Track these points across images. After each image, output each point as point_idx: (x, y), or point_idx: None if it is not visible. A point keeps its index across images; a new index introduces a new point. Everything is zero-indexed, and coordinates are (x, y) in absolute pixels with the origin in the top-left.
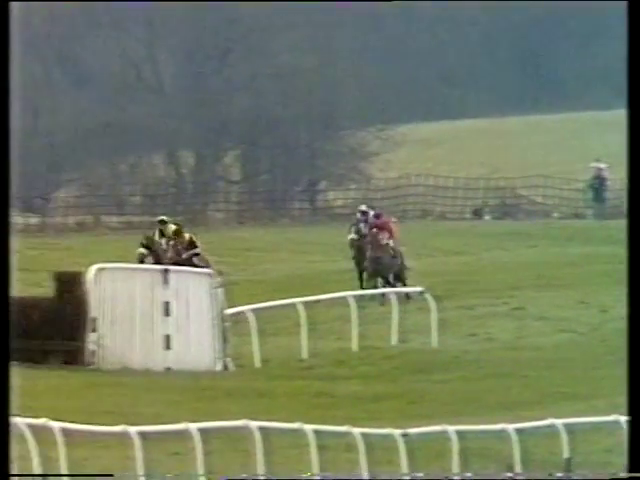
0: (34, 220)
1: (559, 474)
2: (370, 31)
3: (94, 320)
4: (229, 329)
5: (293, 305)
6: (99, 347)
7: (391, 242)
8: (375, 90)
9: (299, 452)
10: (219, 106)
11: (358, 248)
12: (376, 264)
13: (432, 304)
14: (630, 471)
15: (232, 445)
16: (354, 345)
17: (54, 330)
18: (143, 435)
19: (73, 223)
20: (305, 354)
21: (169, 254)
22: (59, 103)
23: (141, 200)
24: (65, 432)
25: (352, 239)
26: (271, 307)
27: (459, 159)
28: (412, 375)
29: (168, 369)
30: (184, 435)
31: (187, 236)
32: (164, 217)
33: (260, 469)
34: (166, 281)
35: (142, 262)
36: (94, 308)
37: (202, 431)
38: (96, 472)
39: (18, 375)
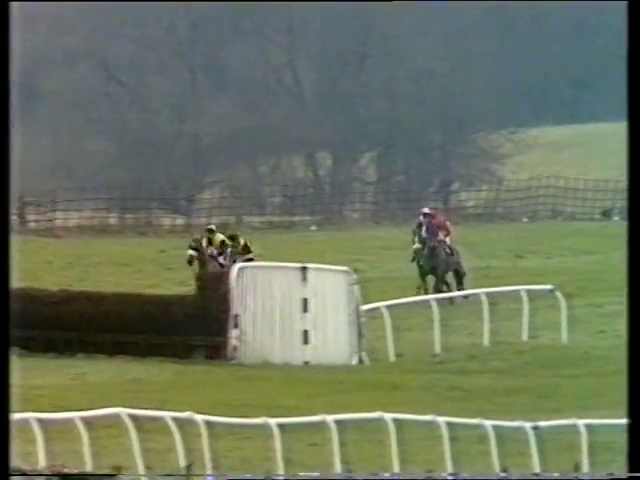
0: (180, 221)
1: (557, 474)
2: (501, 36)
3: (236, 316)
4: (364, 324)
5: (426, 302)
6: (241, 342)
7: (447, 240)
8: (506, 94)
9: (432, 443)
10: (356, 110)
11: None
12: (432, 261)
13: (562, 302)
14: (630, 471)
15: (367, 436)
16: (485, 340)
17: (198, 326)
18: (282, 427)
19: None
20: (438, 349)
21: (225, 262)
22: (204, 108)
23: (281, 201)
24: (209, 424)
25: (413, 232)
26: (405, 303)
27: (588, 162)
28: (542, 370)
29: (306, 363)
30: (321, 426)
31: (242, 241)
32: (212, 226)
33: (394, 459)
34: (305, 278)
35: (190, 263)
36: (236, 305)
37: (338, 423)
38: (238, 462)
39: (167, 370)
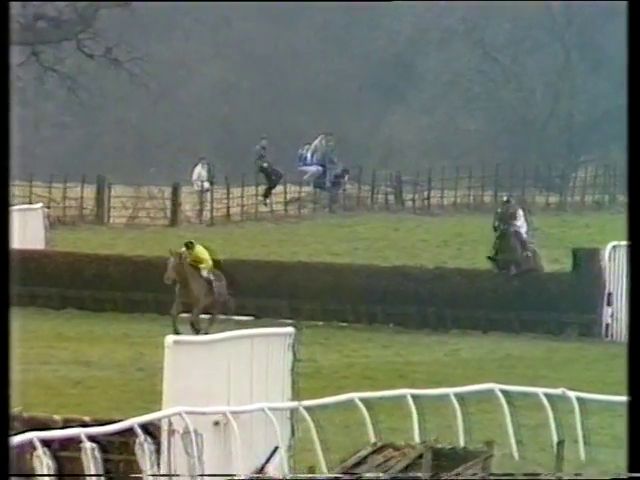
0: (553, 199)
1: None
2: None
3: (610, 294)
4: None
5: None
6: (613, 320)
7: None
8: None
9: None
10: None
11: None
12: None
13: None
14: (630, 471)
15: None
16: None
17: (571, 303)
18: None
19: (590, 202)
20: None
21: None
22: (578, 87)
23: None
24: (581, 401)
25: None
26: None
27: None
28: None
29: None
30: None
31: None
32: None
33: None
34: None
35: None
36: (610, 283)
37: None
38: (609, 440)
39: (540, 346)
